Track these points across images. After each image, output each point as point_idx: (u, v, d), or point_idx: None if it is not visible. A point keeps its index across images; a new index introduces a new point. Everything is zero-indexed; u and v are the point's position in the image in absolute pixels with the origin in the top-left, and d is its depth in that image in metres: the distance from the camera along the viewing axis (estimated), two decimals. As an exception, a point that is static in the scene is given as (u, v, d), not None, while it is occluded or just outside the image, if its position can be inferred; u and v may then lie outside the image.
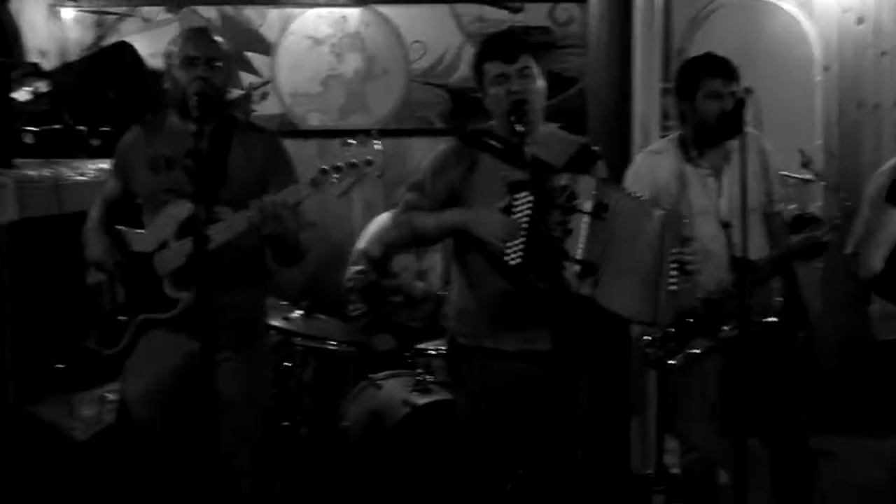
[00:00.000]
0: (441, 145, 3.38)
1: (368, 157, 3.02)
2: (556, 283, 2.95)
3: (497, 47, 3.29)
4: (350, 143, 3.05)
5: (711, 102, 3.67)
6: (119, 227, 3.45)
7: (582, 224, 3.02)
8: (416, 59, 5.87)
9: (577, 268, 2.99)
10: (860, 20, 5.77)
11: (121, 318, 3.43)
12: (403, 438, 4.20)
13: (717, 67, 3.74)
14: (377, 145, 3.04)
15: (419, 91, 5.89)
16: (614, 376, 4.17)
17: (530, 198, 3.02)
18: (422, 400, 4.22)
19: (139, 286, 3.38)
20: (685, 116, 3.79)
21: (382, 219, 5.23)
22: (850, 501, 4.33)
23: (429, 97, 5.90)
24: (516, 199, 3.03)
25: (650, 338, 3.65)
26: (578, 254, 3.00)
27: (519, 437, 3.30)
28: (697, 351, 3.64)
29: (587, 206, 3.03)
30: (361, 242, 5.32)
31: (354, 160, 3.02)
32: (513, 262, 3.02)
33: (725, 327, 3.62)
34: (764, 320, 3.69)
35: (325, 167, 3.01)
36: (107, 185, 3.61)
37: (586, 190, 3.05)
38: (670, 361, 3.63)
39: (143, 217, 3.45)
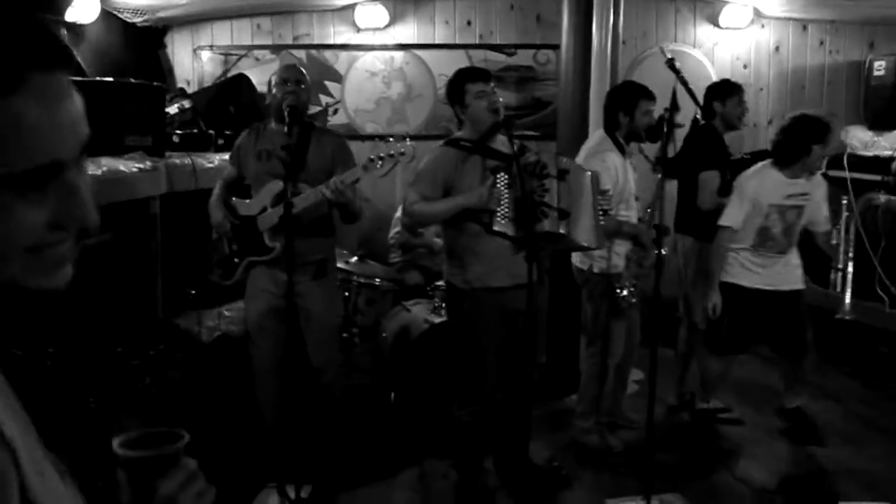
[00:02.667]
0: (429, 154, 3.30)
1: (402, 150, 3.08)
2: (534, 231, 2.89)
3: (478, 72, 3.29)
4: (390, 141, 3.12)
5: (645, 117, 3.72)
6: (233, 198, 3.52)
7: (553, 185, 3.01)
8: (441, 87, 5.81)
9: (556, 214, 2.98)
10: (745, 66, 5.86)
11: (235, 260, 3.51)
12: (424, 345, 4.25)
13: (649, 93, 3.76)
14: (408, 142, 3.10)
15: (442, 109, 5.79)
16: (568, 301, 4.12)
17: (506, 175, 3.04)
18: (437, 319, 4.26)
19: (247, 238, 3.45)
20: (619, 124, 3.75)
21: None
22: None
23: (449, 113, 5.30)
24: (497, 178, 3.06)
25: (624, 287, 3.68)
26: (556, 205, 2.99)
27: (501, 346, 3.28)
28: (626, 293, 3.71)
29: (554, 172, 3.05)
30: (399, 212, 5.17)
31: (392, 152, 3.07)
32: (503, 221, 3.02)
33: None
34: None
35: (373, 157, 3.08)
36: (226, 171, 3.66)
37: (551, 162, 3.08)
38: (624, 294, 3.69)
39: (251, 192, 3.48)
